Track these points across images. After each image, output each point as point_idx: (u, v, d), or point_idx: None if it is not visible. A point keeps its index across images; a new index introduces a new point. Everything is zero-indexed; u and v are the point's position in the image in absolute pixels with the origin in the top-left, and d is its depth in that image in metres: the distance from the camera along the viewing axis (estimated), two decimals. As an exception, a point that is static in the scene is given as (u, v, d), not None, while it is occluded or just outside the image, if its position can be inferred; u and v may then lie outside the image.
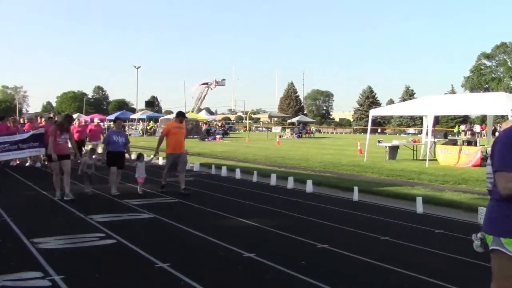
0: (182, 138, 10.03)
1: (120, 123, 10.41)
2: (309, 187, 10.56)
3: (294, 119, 59.31)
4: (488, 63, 75.35)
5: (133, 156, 11.55)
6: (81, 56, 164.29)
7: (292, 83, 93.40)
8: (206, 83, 62.47)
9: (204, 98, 63.52)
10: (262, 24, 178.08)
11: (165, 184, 10.06)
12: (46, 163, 13.66)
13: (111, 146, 9.54)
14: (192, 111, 59.09)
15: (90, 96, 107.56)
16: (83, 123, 18.92)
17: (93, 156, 9.94)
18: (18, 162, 15.35)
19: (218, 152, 22.62)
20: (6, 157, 13.25)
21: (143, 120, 54.46)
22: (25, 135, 13.25)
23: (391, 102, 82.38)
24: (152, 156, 11.80)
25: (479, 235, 3.00)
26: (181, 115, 10.49)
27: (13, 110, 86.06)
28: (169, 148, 9.85)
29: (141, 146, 26.08)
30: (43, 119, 16.67)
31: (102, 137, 16.74)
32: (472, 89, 70.58)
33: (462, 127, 54.44)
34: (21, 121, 20.39)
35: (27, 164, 15.29)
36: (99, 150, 15.79)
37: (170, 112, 64.71)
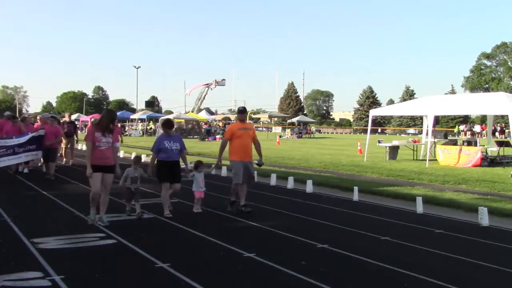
0: (249, 142, 8.06)
1: (172, 124, 8.14)
2: (309, 187, 10.56)
3: (294, 119, 59.31)
4: (488, 63, 75.39)
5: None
6: (81, 56, 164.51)
7: (292, 83, 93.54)
8: (206, 84, 62.49)
9: (204, 98, 63.60)
10: (262, 24, 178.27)
11: (236, 201, 8.00)
12: (43, 168, 12.76)
13: (163, 154, 7.56)
14: (192, 111, 59.14)
15: (90, 96, 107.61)
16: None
17: (138, 167, 7.74)
18: (31, 167, 13.40)
19: (218, 152, 22.59)
20: (1, 164, 11.51)
21: (143, 120, 54.48)
22: (23, 139, 11.83)
23: (391, 102, 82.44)
24: (213, 166, 8.85)
25: None
26: (244, 111, 8.40)
27: (13, 110, 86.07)
28: (234, 155, 7.97)
29: (141, 146, 26.09)
30: (38, 118, 15.26)
31: (120, 139, 14.92)
32: (472, 89, 70.60)
33: (462, 127, 54.46)
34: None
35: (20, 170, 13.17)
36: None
37: (170, 112, 64.79)
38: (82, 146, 19.67)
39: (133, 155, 9.92)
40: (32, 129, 13.37)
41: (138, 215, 7.34)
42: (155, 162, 7.66)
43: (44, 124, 12.97)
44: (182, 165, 7.87)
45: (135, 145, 26.89)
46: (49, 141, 12.10)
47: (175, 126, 43.55)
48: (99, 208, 6.81)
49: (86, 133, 6.19)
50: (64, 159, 15.58)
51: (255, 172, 8.60)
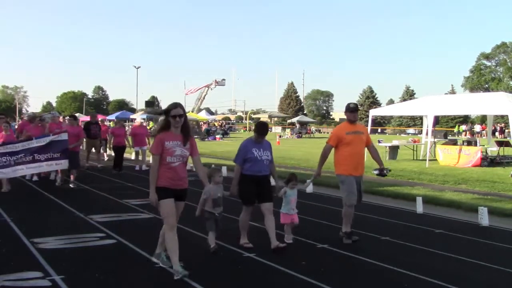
0: (362, 150, 6.23)
1: (266, 128, 5.89)
2: (309, 187, 10.55)
3: (294, 119, 59.34)
4: (488, 63, 75.36)
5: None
6: (81, 56, 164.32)
7: (292, 83, 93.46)
8: (205, 86, 62.48)
9: (204, 98, 63.55)
10: (262, 24, 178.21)
11: (351, 232, 6.05)
12: (57, 178, 10.74)
13: (250, 166, 5.68)
14: (192, 111, 59.13)
15: (90, 96, 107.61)
16: (121, 124, 15.16)
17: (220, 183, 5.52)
18: (43, 174, 11.61)
19: (218, 152, 22.61)
20: (19, 173, 9.71)
21: (143, 120, 54.46)
22: (42, 140, 9.81)
23: (391, 102, 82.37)
24: (309, 181, 7.03)
25: None
26: (355, 110, 6.26)
27: (13, 110, 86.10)
28: (343, 167, 6.05)
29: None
30: (37, 119, 12.40)
31: (148, 142, 13.98)
32: (472, 89, 70.55)
33: (463, 127, 54.44)
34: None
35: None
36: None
37: (170, 112, 64.63)
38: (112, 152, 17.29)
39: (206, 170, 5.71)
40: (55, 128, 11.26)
41: (213, 248, 5.39)
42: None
43: (52, 124, 11.56)
44: None
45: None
46: (71, 144, 10.36)
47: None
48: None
49: (152, 144, 4.70)
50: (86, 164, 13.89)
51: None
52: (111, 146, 14.56)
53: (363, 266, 5.02)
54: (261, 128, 5.81)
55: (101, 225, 6.70)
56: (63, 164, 10.00)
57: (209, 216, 5.40)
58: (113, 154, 14.75)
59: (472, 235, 6.60)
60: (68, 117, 11.95)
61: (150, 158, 13.31)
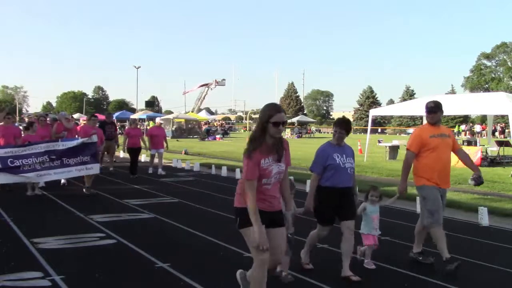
0: (449, 156, 5.24)
1: (350, 125, 4.96)
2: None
3: (294, 119, 59.35)
4: (488, 63, 75.37)
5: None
6: (81, 56, 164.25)
7: (292, 83, 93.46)
8: (205, 85, 62.50)
9: (204, 98, 63.60)
10: (262, 23, 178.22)
11: (452, 259, 4.87)
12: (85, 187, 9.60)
13: (331, 176, 4.70)
14: (192, 111, 59.17)
15: (90, 96, 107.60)
16: (136, 125, 14.04)
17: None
18: (64, 181, 10.70)
19: (218, 152, 22.61)
20: (45, 178, 8.90)
21: (143, 120, 54.48)
22: (70, 143, 9.05)
23: (391, 102, 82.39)
24: (395, 197, 5.48)
25: None
26: (437, 109, 5.27)
27: (13, 110, 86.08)
28: (425, 176, 5.08)
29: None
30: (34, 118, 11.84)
31: (165, 144, 13.54)
32: (472, 89, 70.56)
33: (462, 127, 54.46)
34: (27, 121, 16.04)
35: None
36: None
37: (170, 112, 64.79)
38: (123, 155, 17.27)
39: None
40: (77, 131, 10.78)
41: (288, 279, 4.52)
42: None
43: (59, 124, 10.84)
44: None
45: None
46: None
47: (174, 126, 42.65)
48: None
49: (244, 168, 3.39)
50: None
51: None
52: (126, 148, 13.20)
53: (363, 266, 5.01)
54: (345, 123, 4.82)
55: (101, 225, 6.70)
56: (94, 168, 9.22)
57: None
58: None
59: (472, 235, 6.60)
60: (92, 116, 11.21)
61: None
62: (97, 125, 11.03)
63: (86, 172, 9.21)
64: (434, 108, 5.23)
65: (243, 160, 3.42)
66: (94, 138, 9.35)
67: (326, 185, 4.69)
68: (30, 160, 8.45)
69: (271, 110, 3.42)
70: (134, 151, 12.75)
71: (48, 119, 12.23)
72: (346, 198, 4.72)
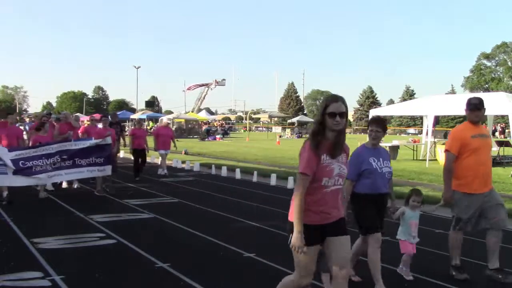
0: (490, 159, 4.89)
1: (385, 124, 4.67)
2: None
3: (294, 119, 59.34)
4: (488, 63, 75.36)
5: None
6: (81, 56, 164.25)
7: (292, 83, 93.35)
8: (205, 84, 62.49)
9: (204, 98, 63.61)
10: (262, 24, 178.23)
11: (458, 264, 4.90)
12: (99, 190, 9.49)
13: (368, 182, 4.34)
14: (192, 111, 59.16)
15: (90, 96, 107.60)
16: (142, 125, 13.66)
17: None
18: (67, 185, 10.48)
19: (218, 152, 22.62)
20: (56, 179, 8.93)
21: (143, 120, 54.51)
22: (81, 143, 9.00)
23: (391, 102, 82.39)
24: (438, 204, 5.31)
25: None
26: (480, 107, 4.68)
27: (13, 110, 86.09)
28: (464, 182, 4.71)
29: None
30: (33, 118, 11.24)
31: (174, 144, 13.45)
32: (472, 89, 70.52)
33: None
34: (28, 121, 16.06)
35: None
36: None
37: (170, 112, 64.84)
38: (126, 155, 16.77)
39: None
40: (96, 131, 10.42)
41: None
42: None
43: (65, 124, 10.72)
44: None
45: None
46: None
47: (174, 126, 42.42)
48: None
49: (301, 160, 3.04)
50: None
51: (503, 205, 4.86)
52: (131, 149, 12.63)
53: (363, 266, 5.00)
54: (381, 121, 4.54)
55: (101, 225, 6.70)
56: (107, 170, 9.13)
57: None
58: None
59: (472, 235, 6.58)
60: (103, 117, 10.83)
61: (163, 162, 12.82)
62: (108, 126, 10.61)
63: (97, 174, 9.15)
64: (478, 105, 4.66)
65: (300, 154, 3.05)
66: (108, 140, 9.21)
67: (363, 192, 4.30)
68: (41, 161, 8.40)
69: (327, 99, 3.11)
70: (139, 153, 12.32)
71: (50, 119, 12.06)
72: (382, 207, 4.48)
